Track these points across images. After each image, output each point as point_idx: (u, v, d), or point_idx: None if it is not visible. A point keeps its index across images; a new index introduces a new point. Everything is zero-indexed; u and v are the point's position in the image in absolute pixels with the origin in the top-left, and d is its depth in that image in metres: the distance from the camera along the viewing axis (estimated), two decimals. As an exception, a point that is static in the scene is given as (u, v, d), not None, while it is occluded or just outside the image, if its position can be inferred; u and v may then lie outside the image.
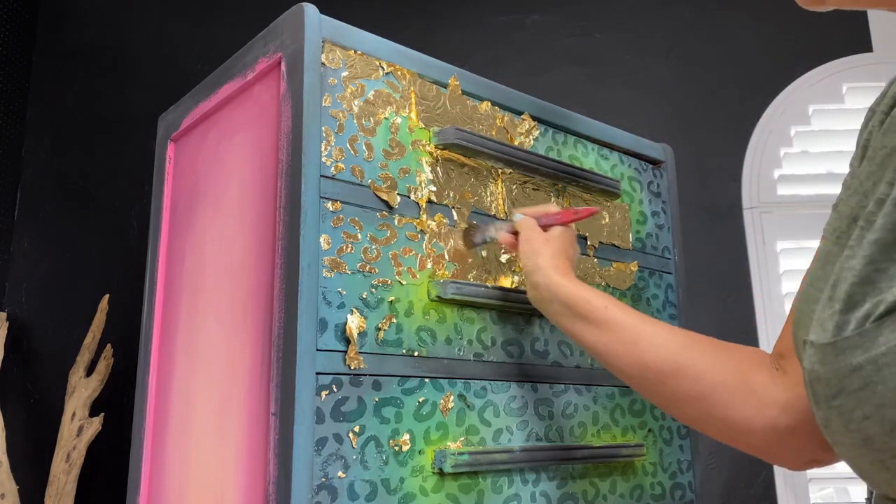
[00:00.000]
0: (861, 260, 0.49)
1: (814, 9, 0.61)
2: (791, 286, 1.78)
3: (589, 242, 1.19)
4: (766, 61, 1.84)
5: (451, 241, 1.00)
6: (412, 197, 0.97)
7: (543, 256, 0.93)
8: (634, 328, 0.84)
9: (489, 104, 1.10)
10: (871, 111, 0.61)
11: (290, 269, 0.86)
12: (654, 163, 1.36)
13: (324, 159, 0.90)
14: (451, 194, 1.02)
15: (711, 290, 1.78)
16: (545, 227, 0.98)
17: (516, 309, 1.04)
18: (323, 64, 0.92)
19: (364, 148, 0.94)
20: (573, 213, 0.98)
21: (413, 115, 1.01)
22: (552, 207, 1.02)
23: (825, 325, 0.50)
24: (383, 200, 0.94)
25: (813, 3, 0.62)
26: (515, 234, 0.99)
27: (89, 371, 1.63)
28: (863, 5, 0.55)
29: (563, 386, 1.08)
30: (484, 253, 1.04)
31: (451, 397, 0.95)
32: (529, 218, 0.99)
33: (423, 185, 0.99)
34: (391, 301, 0.92)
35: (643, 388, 0.83)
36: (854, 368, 0.47)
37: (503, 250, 1.06)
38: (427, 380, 0.93)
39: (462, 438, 0.94)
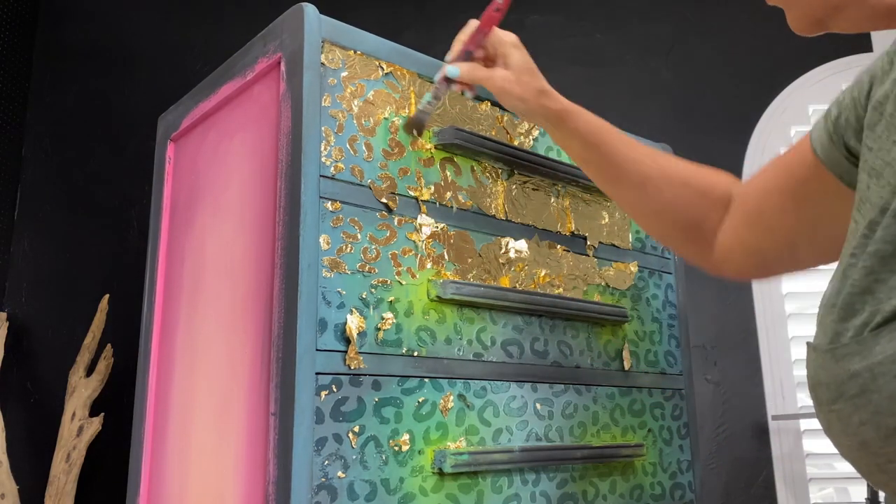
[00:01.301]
0: (861, 270, 0.50)
1: (810, 34, 0.61)
2: (791, 286, 1.78)
3: (589, 242, 1.19)
4: (766, 61, 1.84)
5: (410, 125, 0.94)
6: (412, 197, 0.97)
7: (524, 99, 0.90)
8: (622, 162, 0.88)
9: (489, 104, 1.10)
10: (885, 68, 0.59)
11: (290, 269, 0.86)
12: (654, 163, 1.36)
13: (323, 159, 0.90)
14: (450, 194, 1.02)
15: (711, 290, 1.78)
16: (476, 48, 0.92)
17: (516, 309, 1.04)
18: (323, 64, 0.92)
19: (364, 148, 0.94)
20: (493, 9, 0.91)
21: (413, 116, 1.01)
22: (465, 32, 0.94)
23: (826, 330, 0.51)
24: (382, 202, 0.94)
25: (808, 30, 0.61)
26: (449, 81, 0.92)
27: (89, 371, 1.63)
28: (863, 28, 0.55)
29: (562, 386, 1.08)
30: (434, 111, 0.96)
31: (451, 397, 0.95)
32: (468, 65, 0.92)
33: (423, 185, 0.99)
34: (391, 301, 0.92)
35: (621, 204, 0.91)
36: (852, 375, 0.48)
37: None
38: (427, 380, 0.93)
39: (462, 438, 0.94)
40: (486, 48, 0.93)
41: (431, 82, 1.04)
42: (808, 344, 0.54)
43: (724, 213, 0.82)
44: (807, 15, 0.52)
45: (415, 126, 0.93)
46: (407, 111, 1.00)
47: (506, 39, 0.92)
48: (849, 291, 0.50)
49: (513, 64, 0.91)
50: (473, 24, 0.93)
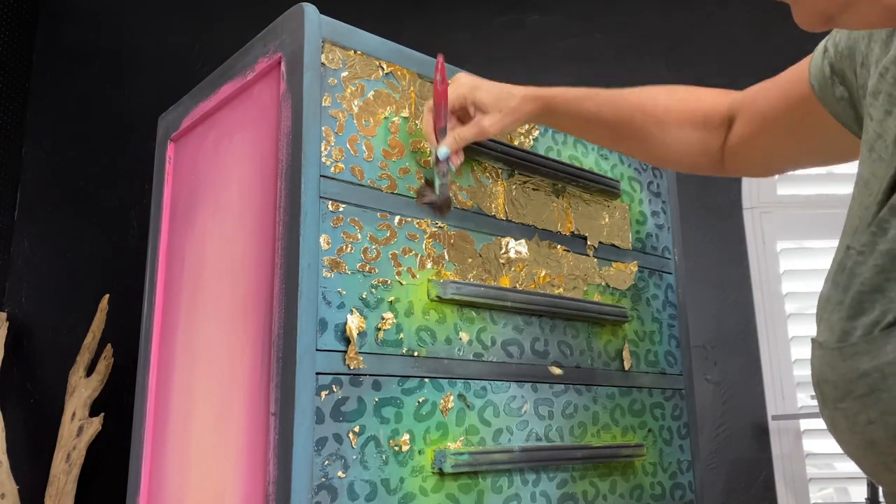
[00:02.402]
0: (872, 268, 0.49)
1: (816, 30, 0.61)
2: (791, 286, 1.78)
3: (589, 242, 1.19)
4: (767, 61, 1.84)
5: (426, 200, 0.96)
6: (412, 197, 0.97)
7: (515, 116, 0.93)
8: (633, 126, 0.91)
9: (489, 104, 1.10)
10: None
11: (290, 269, 0.86)
12: (654, 163, 1.36)
13: (324, 159, 0.90)
14: (450, 194, 1.02)
15: (711, 290, 1.78)
16: (446, 121, 0.94)
17: (516, 309, 1.04)
18: (323, 64, 0.92)
19: (364, 148, 0.94)
20: (437, 84, 0.93)
21: (413, 115, 1.01)
22: (428, 117, 0.95)
23: (833, 328, 0.51)
24: (383, 200, 0.94)
25: (815, 26, 0.61)
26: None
27: (89, 371, 1.63)
28: (873, 26, 0.55)
29: (563, 386, 1.08)
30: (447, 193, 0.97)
31: (451, 397, 0.95)
32: (451, 137, 0.93)
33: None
34: (391, 301, 0.92)
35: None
36: (861, 374, 0.47)
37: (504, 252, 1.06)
38: (427, 380, 0.93)
39: (462, 438, 0.94)
40: (453, 111, 0.95)
41: (431, 79, 1.04)
42: (812, 340, 0.53)
43: (728, 130, 0.87)
44: (816, 11, 0.52)
45: (443, 207, 0.95)
46: (407, 111, 1.00)
47: (461, 91, 0.94)
48: (858, 290, 0.50)
49: (484, 102, 0.93)
50: (429, 105, 0.94)
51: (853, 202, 0.56)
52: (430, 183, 0.96)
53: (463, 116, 0.96)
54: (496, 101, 0.93)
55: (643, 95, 0.90)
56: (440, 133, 0.93)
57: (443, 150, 0.92)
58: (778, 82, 0.79)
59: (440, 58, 0.92)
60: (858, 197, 0.55)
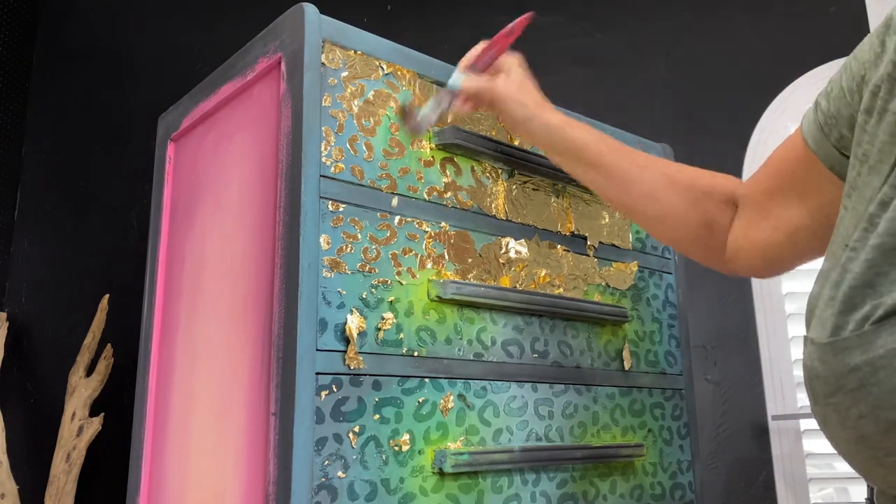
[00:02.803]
0: (863, 263, 0.50)
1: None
2: (791, 286, 1.78)
3: (589, 242, 1.19)
4: (766, 61, 1.84)
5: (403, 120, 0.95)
6: (412, 197, 0.97)
7: (524, 104, 0.93)
8: (626, 175, 0.89)
9: (489, 104, 1.10)
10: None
11: (290, 269, 0.86)
12: (654, 163, 1.36)
13: (324, 159, 0.90)
14: (450, 194, 1.02)
15: (711, 290, 1.78)
16: (485, 68, 0.96)
17: (516, 309, 1.04)
18: (323, 64, 0.92)
19: (364, 148, 0.94)
20: (505, 34, 0.94)
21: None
22: (476, 48, 0.97)
23: (825, 324, 0.51)
24: (383, 200, 0.94)
25: None
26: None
27: (89, 371, 1.63)
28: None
29: (562, 386, 1.08)
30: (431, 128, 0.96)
31: (451, 397, 0.95)
32: (471, 77, 0.95)
33: (423, 185, 0.99)
34: (391, 301, 0.92)
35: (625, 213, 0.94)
36: (852, 369, 0.48)
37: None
38: (427, 380, 0.93)
39: (462, 438, 0.94)
40: (489, 69, 0.97)
41: (433, 83, 1.04)
42: (805, 337, 0.54)
43: (733, 213, 0.84)
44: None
45: (411, 128, 0.93)
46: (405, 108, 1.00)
47: (510, 58, 0.97)
48: (850, 285, 0.50)
49: (515, 75, 0.95)
50: (481, 45, 0.96)
51: (844, 212, 0.56)
52: (417, 112, 0.93)
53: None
54: (523, 81, 0.95)
55: (652, 156, 0.91)
56: (470, 67, 0.95)
57: (455, 79, 0.94)
58: (773, 155, 0.78)
59: (529, 15, 0.93)
60: (851, 205, 0.55)
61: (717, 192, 0.85)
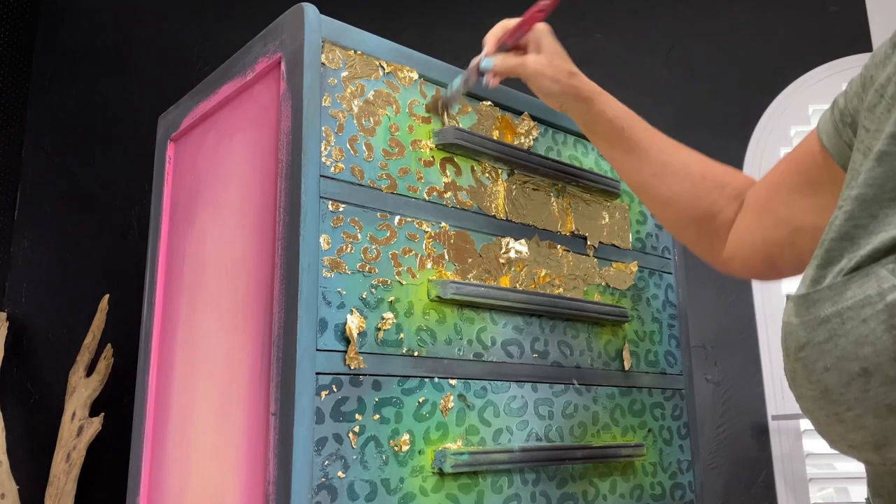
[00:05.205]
0: (843, 215, 0.49)
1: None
2: (791, 286, 1.78)
3: (589, 242, 1.19)
4: (766, 61, 1.84)
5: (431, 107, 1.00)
6: (412, 197, 0.97)
7: (556, 80, 0.93)
8: (645, 154, 0.91)
9: (489, 104, 1.10)
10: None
11: (290, 269, 0.86)
12: (654, 163, 1.36)
13: (324, 159, 0.90)
14: (450, 194, 1.02)
15: (711, 290, 1.78)
16: (514, 44, 0.95)
17: (516, 309, 1.04)
18: (323, 64, 0.92)
19: (364, 148, 0.94)
20: (537, 9, 0.93)
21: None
22: (508, 24, 0.97)
23: (805, 279, 0.51)
24: (383, 200, 0.94)
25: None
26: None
27: (89, 371, 1.63)
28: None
29: (563, 386, 1.08)
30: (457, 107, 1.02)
31: (451, 397, 0.95)
32: (501, 56, 0.95)
33: (423, 185, 0.99)
34: (391, 301, 0.92)
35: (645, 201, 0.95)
36: (821, 321, 0.47)
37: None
38: (427, 380, 0.93)
39: (462, 438, 0.94)
40: (519, 42, 0.97)
41: (433, 83, 1.04)
42: (786, 294, 0.53)
43: (738, 209, 0.84)
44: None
45: (442, 108, 0.98)
46: (407, 110, 1.00)
47: (538, 30, 0.96)
48: (830, 238, 0.49)
49: (545, 48, 0.94)
50: (509, 21, 0.96)
51: (838, 211, 0.56)
52: (446, 91, 0.99)
53: (518, 54, 0.97)
54: (554, 54, 0.94)
55: (675, 142, 0.92)
56: (500, 47, 0.95)
57: (487, 61, 0.95)
58: (787, 154, 0.79)
59: None
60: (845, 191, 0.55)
61: (731, 186, 0.85)
